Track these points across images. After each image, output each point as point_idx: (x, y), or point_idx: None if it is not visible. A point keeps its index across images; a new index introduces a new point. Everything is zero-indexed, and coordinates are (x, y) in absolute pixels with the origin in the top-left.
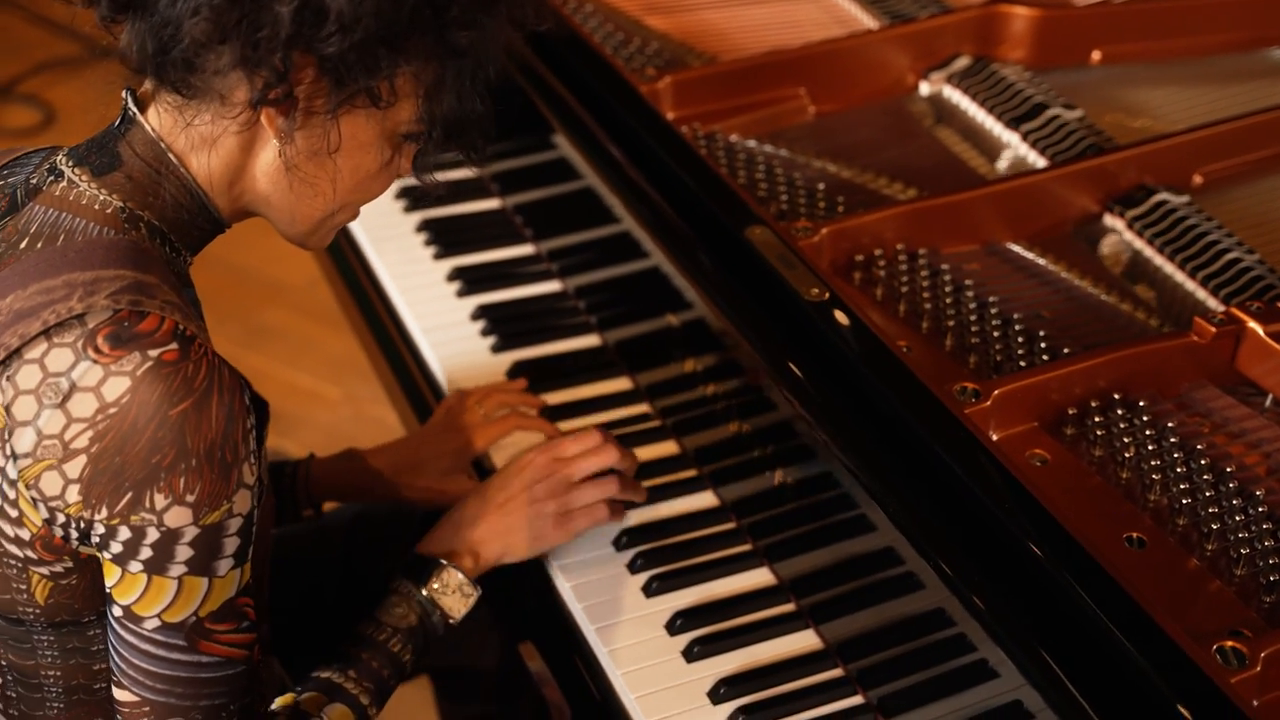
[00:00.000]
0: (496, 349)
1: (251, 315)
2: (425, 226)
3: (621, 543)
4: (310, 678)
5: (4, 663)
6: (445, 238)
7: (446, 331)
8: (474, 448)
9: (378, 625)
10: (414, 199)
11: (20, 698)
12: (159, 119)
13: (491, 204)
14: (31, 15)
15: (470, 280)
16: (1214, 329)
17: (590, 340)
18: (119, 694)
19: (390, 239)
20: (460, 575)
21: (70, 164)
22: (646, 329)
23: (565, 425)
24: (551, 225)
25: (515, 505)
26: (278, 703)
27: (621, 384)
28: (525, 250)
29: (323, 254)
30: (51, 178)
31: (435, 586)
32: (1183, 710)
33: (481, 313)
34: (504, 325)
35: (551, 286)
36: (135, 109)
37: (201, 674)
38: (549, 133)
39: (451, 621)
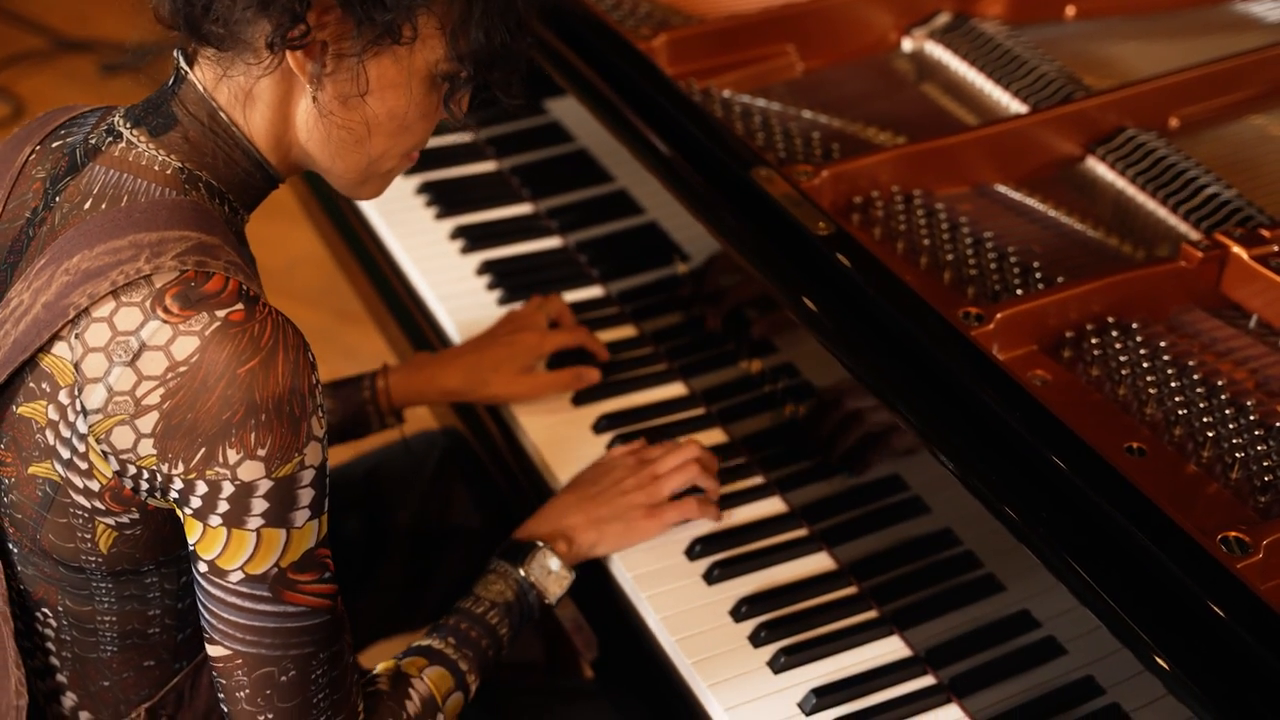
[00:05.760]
0: (502, 302)
1: None
2: (425, 189)
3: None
4: (411, 646)
5: (60, 608)
6: (445, 199)
7: (453, 286)
8: (544, 347)
9: (475, 599)
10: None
11: (74, 640)
12: (203, 75)
13: (488, 166)
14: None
15: (473, 238)
16: (1200, 254)
17: (593, 291)
18: (212, 649)
19: (391, 200)
20: (555, 558)
21: (128, 125)
22: (647, 279)
23: None
24: (547, 186)
25: (606, 497)
26: (380, 667)
27: (627, 331)
28: (524, 209)
29: (323, 221)
30: (110, 138)
31: (532, 566)
32: (1202, 595)
33: (486, 268)
34: (509, 279)
35: (552, 242)
36: (186, 66)
37: (289, 624)
38: (541, 97)
39: (547, 601)
